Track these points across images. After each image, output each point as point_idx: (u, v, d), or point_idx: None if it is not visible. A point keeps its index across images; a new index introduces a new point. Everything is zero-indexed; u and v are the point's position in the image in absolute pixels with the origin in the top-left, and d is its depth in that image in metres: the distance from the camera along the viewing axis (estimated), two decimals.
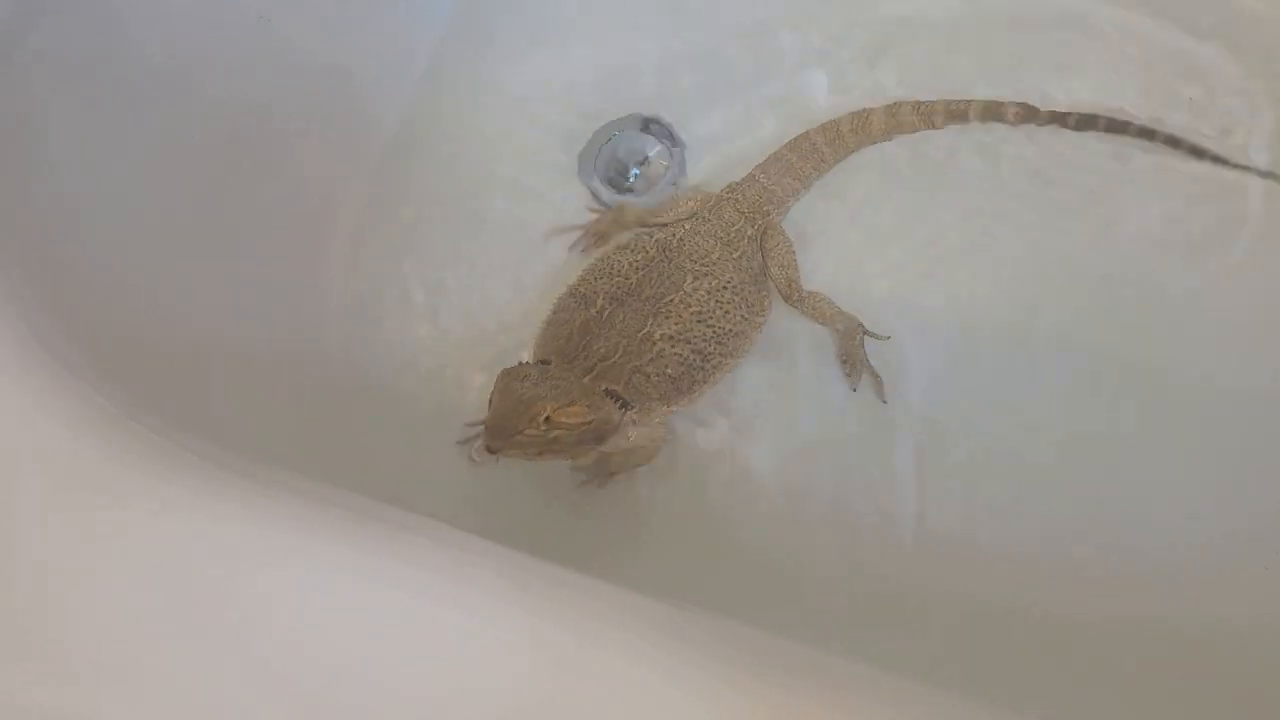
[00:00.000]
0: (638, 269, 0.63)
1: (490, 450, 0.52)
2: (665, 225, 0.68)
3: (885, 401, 0.65)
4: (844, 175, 0.72)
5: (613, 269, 0.63)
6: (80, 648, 0.37)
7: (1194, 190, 0.69)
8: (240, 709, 0.35)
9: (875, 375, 0.66)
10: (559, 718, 0.34)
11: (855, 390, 0.65)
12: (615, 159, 0.74)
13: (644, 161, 0.74)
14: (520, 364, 0.57)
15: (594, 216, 0.72)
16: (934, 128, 0.71)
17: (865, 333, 0.66)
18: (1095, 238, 0.69)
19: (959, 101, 0.70)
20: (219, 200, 0.63)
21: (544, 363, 0.59)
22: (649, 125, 0.74)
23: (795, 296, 0.66)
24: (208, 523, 0.39)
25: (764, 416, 0.66)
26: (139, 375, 0.48)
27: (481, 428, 0.57)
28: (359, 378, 0.68)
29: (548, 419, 0.52)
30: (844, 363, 0.66)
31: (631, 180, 0.74)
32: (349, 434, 0.64)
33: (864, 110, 0.71)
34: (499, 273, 0.72)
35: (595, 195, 0.73)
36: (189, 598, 0.37)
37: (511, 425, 0.52)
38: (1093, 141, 0.70)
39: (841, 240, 0.71)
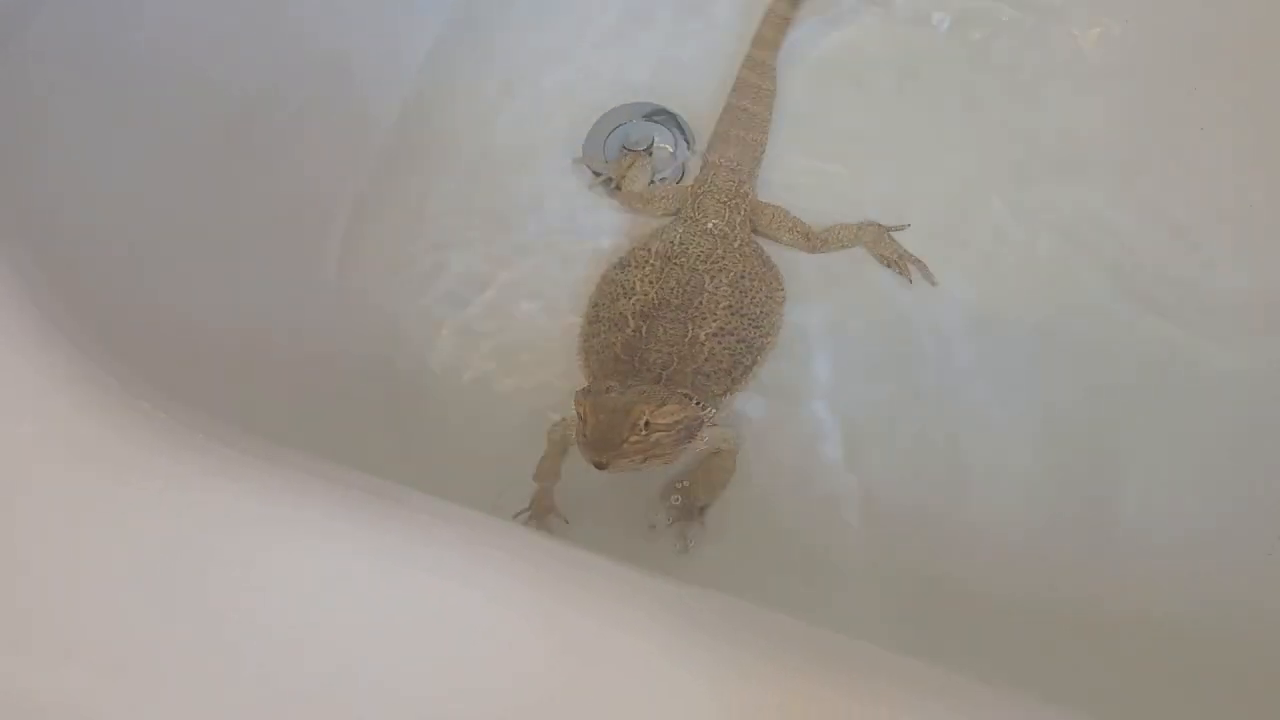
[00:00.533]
0: (653, 283, 0.64)
1: (599, 465, 0.52)
2: (649, 214, 0.69)
3: (936, 284, 0.68)
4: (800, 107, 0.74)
5: (627, 289, 0.64)
6: (84, 625, 0.36)
7: None
8: (248, 687, 0.35)
9: (919, 262, 0.68)
10: (569, 697, 0.34)
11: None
12: (622, 147, 0.74)
13: (650, 149, 0.74)
14: (592, 384, 0.57)
15: (605, 175, 0.72)
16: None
17: (889, 230, 0.69)
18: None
19: None
20: (219, 186, 0.62)
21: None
22: (655, 114, 0.74)
23: (815, 245, 0.68)
24: (217, 500, 0.39)
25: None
26: (145, 355, 0.48)
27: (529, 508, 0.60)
28: (361, 357, 0.67)
29: (647, 423, 0.53)
30: (889, 266, 0.69)
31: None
32: (351, 418, 0.64)
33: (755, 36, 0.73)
34: (501, 261, 0.72)
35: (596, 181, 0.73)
36: (196, 574, 0.37)
37: (615, 436, 0.52)
38: None
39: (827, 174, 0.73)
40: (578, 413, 0.54)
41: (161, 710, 0.35)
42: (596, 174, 0.72)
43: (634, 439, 0.53)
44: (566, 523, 0.62)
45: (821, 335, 0.68)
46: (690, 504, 0.63)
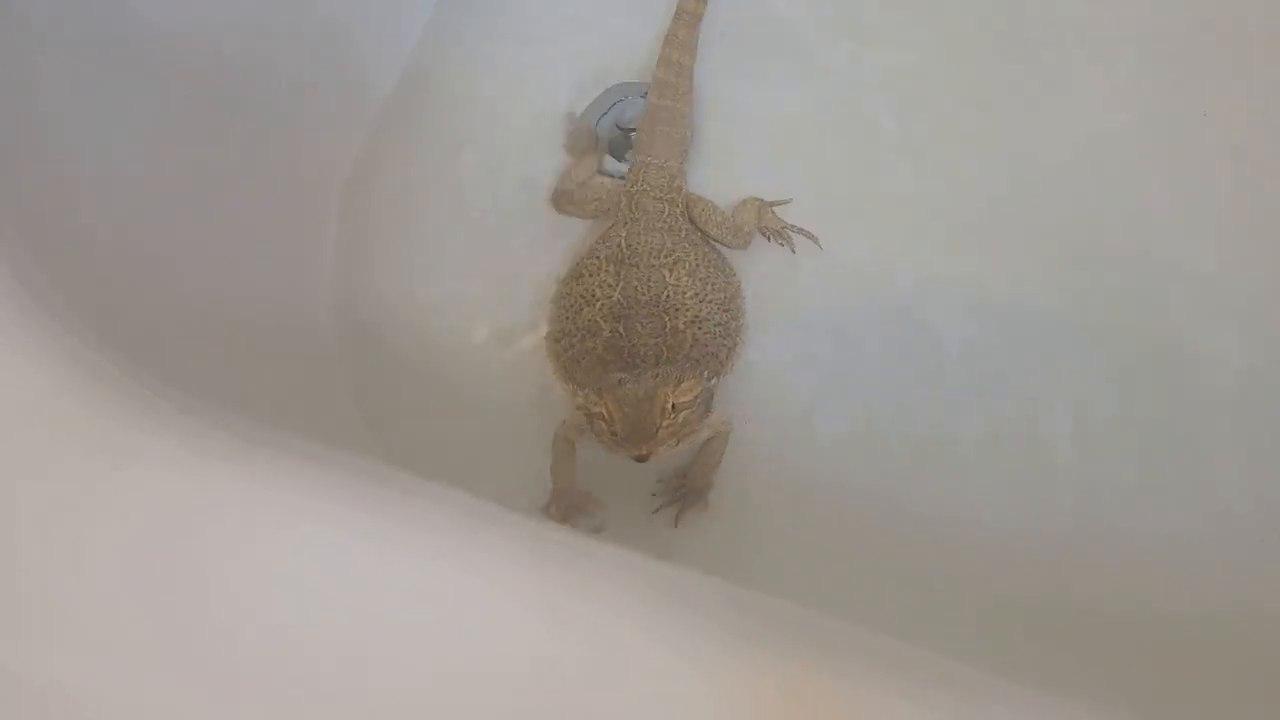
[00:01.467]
0: (614, 287, 0.63)
1: (641, 458, 0.54)
2: (581, 215, 0.70)
3: (822, 249, 0.69)
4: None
5: (588, 298, 0.64)
6: (75, 606, 0.36)
7: None
8: (243, 671, 0.35)
9: (804, 231, 0.70)
10: (568, 682, 0.33)
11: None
12: (618, 125, 0.74)
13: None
14: (600, 381, 0.57)
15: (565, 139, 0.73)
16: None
17: (771, 205, 0.71)
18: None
19: None
20: (216, 160, 0.62)
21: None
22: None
23: (742, 241, 0.69)
24: (211, 483, 0.38)
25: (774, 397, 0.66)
26: (134, 333, 0.47)
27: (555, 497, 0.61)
28: (354, 338, 0.67)
29: (673, 405, 0.54)
30: (770, 238, 0.70)
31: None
32: (343, 395, 0.63)
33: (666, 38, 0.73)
34: (497, 234, 0.71)
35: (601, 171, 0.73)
36: (191, 558, 0.37)
37: (649, 425, 0.54)
38: None
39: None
40: (599, 413, 0.55)
41: (155, 693, 0.35)
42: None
43: (666, 423, 0.54)
44: (605, 508, 0.62)
45: (811, 327, 0.69)
46: (691, 488, 0.63)
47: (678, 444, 0.56)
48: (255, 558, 0.37)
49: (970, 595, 0.59)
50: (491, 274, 0.71)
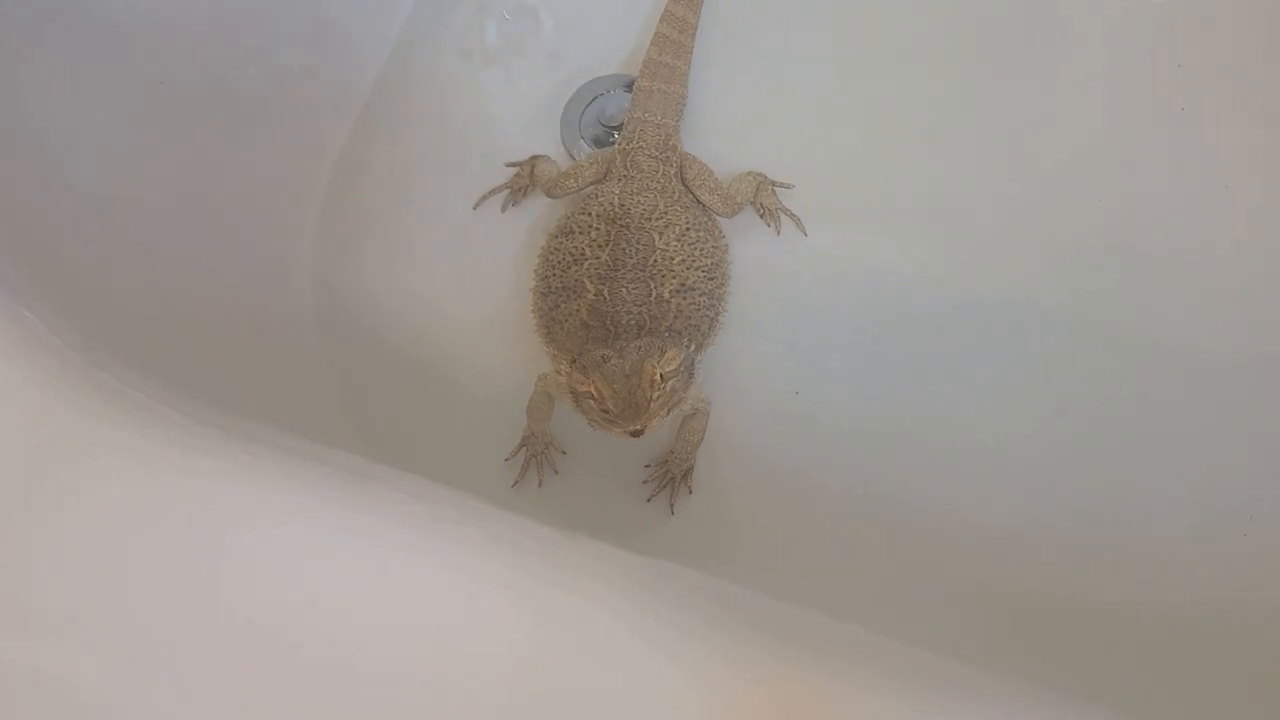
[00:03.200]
0: (603, 246, 0.63)
1: (636, 434, 0.54)
2: (580, 190, 0.69)
3: (806, 235, 0.69)
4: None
5: (576, 255, 0.63)
6: (52, 604, 0.36)
7: None
8: (219, 666, 0.34)
9: (794, 216, 0.70)
10: (547, 676, 0.33)
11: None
12: (599, 120, 0.73)
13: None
14: (582, 357, 0.56)
15: (514, 172, 0.72)
16: None
17: (774, 184, 0.70)
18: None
19: None
20: (195, 153, 0.61)
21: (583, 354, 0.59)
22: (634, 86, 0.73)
23: (731, 210, 0.69)
24: (187, 478, 0.38)
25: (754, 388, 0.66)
26: (110, 324, 0.47)
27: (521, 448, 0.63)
28: (332, 338, 0.66)
29: (661, 376, 0.54)
30: (762, 215, 0.70)
31: (615, 141, 0.73)
32: (325, 387, 0.63)
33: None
34: (477, 227, 0.71)
35: (570, 154, 0.73)
36: (165, 552, 0.36)
37: (640, 399, 0.54)
38: None
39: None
40: (586, 391, 0.54)
41: (133, 686, 0.34)
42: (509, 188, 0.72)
43: (656, 395, 0.54)
44: (564, 453, 0.64)
45: (807, 307, 0.68)
46: (673, 469, 0.63)
47: (668, 414, 0.56)
48: (233, 552, 0.36)
49: (951, 586, 0.59)
50: (474, 266, 0.70)
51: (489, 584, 0.35)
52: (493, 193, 0.72)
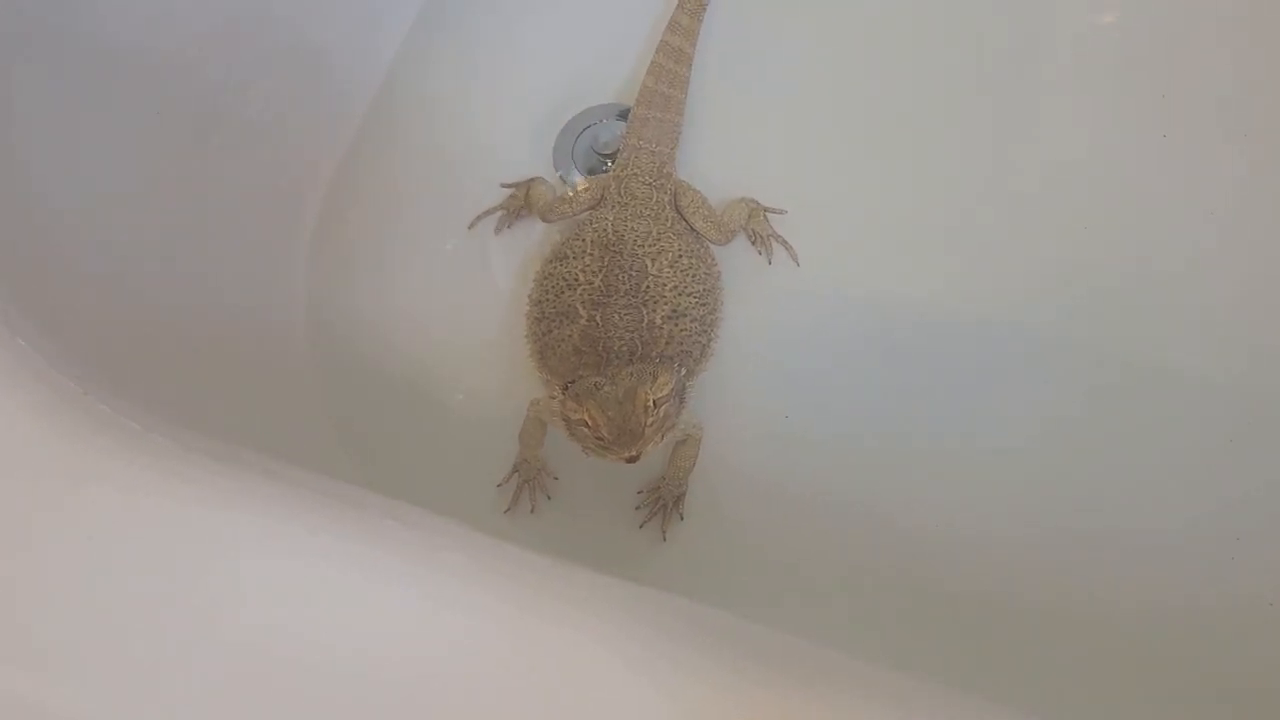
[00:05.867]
0: (597, 273, 0.63)
1: (632, 460, 0.54)
2: (574, 215, 0.69)
3: (799, 264, 0.70)
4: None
5: (570, 281, 0.64)
6: (39, 632, 0.35)
7: None
8: (205, 694, 0.34)
9: (786, 244, 0.70)
10: (530, 705, 0.33)
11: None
12: (593, 147, 0.74)
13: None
14: (575, 385, 0.57)
15: (509, 193, 0.73)
16: None
17: (766, 210, 0.71)
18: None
19: None
20: (186, 179, 0.61)
21: (575, 381, 0.59)
22: (627, 114, 0.74)
23: (724, 238, 0.69)
24: (174, 504, 0.38)
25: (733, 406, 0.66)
26: (100, 355, 0.47)
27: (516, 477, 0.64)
28: (325, 364, 0.66)
29: (654, 401, 0.54)
30: (754, 242, 0.71)
31: (609, 168, 0.73)
32: (317, 411, 0.63)
33: (669, 24, 0.73)
34: (470, 252, 0.71)
35: (564, 182, 0.73)
36: (154, 580, 0.36)
37: (635, 425, 0.54)
38: None
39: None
40: (580, 420, 0.55)
41: (119, 715, 0.34)
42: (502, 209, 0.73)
43: (650, 420, 0.54)
44: (556, 479, 0.64)
45: (796, 332, 0.69)
46: (666, 495, 0.63)
47: (662, 439, 0.56)
48: (220, 581, 0.36)
49: (946, 606, 0.59)
50: (468, 291, 0.71)
51: (477, 613, 0.35)
52: (487, 213, 0.72)
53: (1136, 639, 0.57)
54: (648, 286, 0.63)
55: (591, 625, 0.34)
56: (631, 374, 0.56)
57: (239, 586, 0.36)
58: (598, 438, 0.54)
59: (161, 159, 0.60)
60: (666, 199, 0.68)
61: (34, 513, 0.38)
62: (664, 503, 0.63)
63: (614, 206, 0.67)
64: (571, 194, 0.70)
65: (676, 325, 0.62)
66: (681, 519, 0.63)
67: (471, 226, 0.72)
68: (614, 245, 0.64)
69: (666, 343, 0.61)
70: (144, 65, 0.59)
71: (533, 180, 0.72)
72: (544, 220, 0.70)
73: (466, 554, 0.37)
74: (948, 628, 0.59)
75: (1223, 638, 0.57)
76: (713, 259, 0.68)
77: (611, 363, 0.59)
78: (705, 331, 0.64)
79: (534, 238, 0.72)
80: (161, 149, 0.60)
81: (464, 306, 0.70)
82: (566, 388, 0.57)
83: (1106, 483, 0.62)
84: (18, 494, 0.38)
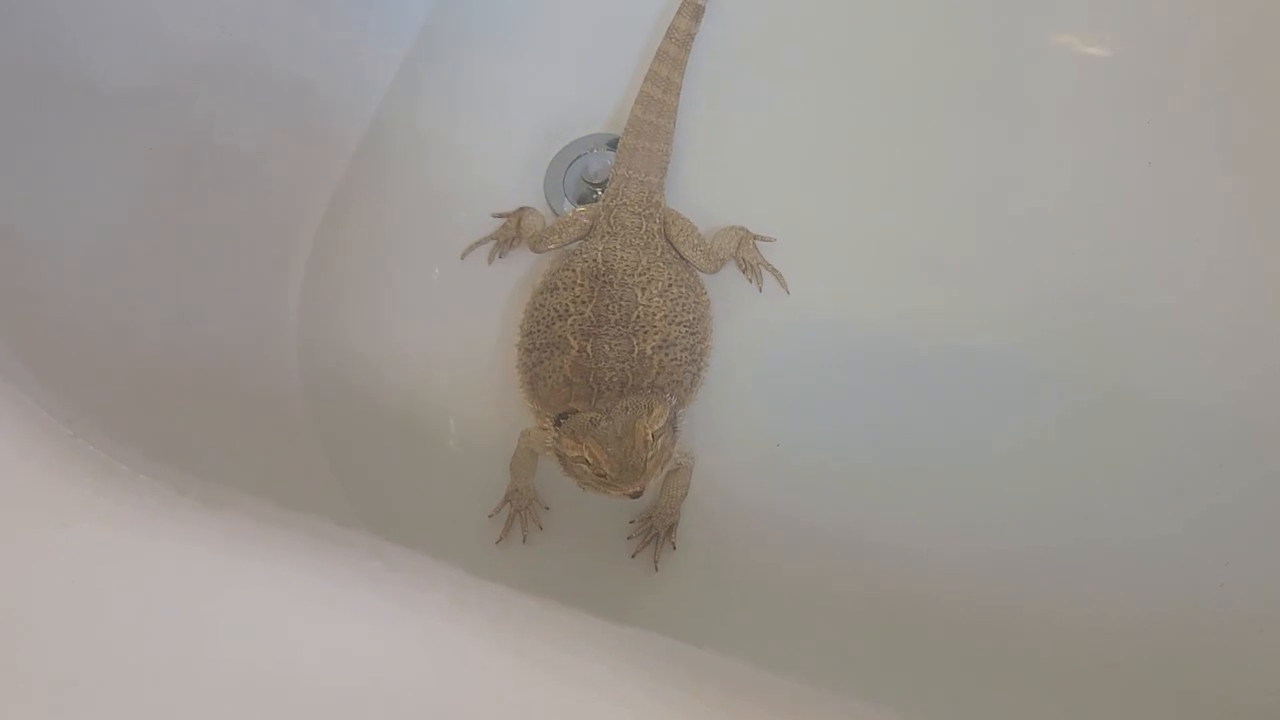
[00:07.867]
0: (586, 303, 0.64)
1: (636, 495, 0.54)
2: (564, 246, 0.69)
3: (789, 293, 0.70)
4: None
5: (560, 311, 0.64)
6: (27, 669, 0.35)
7: None
8: None
9: (776, 272, 0.71)
10: None
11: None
12: (583, 177, 0.74)
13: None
14: (570, 421, 0.57)
15: (501, 223, 0.73)
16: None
17: (755, 238, 0.71)
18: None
19: None
20: (177, 214, 0.62)
21: (567, 414, 0.59)
22: (616, 144, 0.74)
23: (714, 266, 0.69)
24: (161, 545, 0.38)
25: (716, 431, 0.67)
26: (88, 393, 0.47)
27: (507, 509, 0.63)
28: (318, 397, 0.67)
29: (653, 434, 0.54)
30: (744, 270, 0.71)
31: (599, 197, 0.73)
32: (310, 447, 0.63)
33: (657, 53, 0.74)
34: (461, 283, 0.72)
35: (554, 212, 0.74)
36: (138, 620, 0.36)
37: (637, 460, 0.54)
38: None
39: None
40: (578, 457, 0.54)
41: None
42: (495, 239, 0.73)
43: (650, 455, 0.54)
44: (547, 509, 0.64)
45: (787, 359, 0.69)
46: (657, 524, 0.63)
47: (662, 471, 0.56)
48: (207, 621, 0.36)
49: (939, 635, 0.59)
50: (458, 322, 0.71)
51: (463, 655, 0.35)
52: (479, 243, 0.72)
53: (1128, 670, 0.57)
54: (638, 316, 0.63)
55: (579, 668, 0.34)
56: (625, 408, 0.56)
57: (225, 625, 0.36)
58: (599, 474, 0.54)
59: (151, 194, 0.60)
60: (656, 228, 0.69)
61: (23, 552, 0.38)
62: (656, 532, 0.63)
63: (603, 236, 0.68)
64: (561, 224, 0.70)
65: (667, 355, 0.62)
66: (674, 548, 0.63)
67: (463, 256, 0.72)
68: (604, 275, 0.65)
69: (657, 373, 0.61)
70: (132, 100, 0.59)
71: (523, 210, 0.72)
72: (534, 250, 0.71)
73: (452, 595, 0.37)
74: (944, 654, 0.59)
75: (1212, 659, 0.57)
76: (702, 288, 0.68)
77: (603, 394, 0.60)
78: (695, 360, 0.64)
79: (525, 268, 0.72)
80: (151, 184, 0.60)
81: (455, 337, 0.70)
82: (559, 422, 0.57)
83: (1099, 510, 0.63)
84: (6, 534, 0.38)
